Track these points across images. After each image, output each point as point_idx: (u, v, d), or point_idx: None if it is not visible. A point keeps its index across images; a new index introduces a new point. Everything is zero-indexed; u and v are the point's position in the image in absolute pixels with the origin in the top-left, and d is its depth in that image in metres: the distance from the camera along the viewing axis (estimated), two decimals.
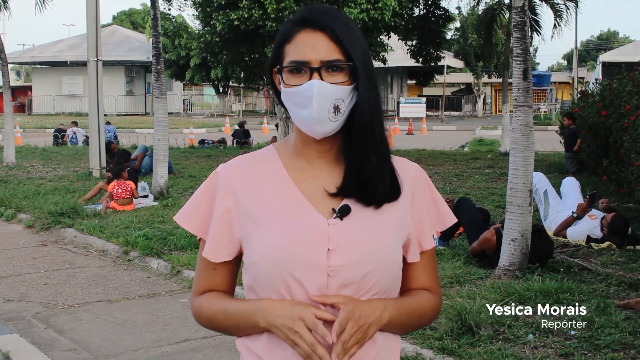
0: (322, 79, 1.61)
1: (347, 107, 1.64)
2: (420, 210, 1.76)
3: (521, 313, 5.53)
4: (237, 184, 1.72)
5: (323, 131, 1.64)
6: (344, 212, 1.66)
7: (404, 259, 1.75)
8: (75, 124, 25.16)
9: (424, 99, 44.51)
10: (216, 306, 1.72)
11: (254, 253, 1.67)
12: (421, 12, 21.11)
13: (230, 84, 49.80)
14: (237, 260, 1.76)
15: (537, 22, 19.63)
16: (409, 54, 22.81)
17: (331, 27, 1.63)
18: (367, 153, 1.67)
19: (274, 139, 17.90)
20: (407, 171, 1.76)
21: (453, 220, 1.83)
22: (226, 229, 1.71)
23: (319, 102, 1.60)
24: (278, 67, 1.68)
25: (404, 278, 1.77)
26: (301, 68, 1.63)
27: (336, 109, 1.62)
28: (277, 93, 1.75)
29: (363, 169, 1.67)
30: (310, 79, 1.62)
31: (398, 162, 1.76)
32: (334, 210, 1.66)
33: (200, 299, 1.76)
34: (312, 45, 1.63)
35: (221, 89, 51.00)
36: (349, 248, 1.63)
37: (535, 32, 19.77)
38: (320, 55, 1.62)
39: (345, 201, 1.67)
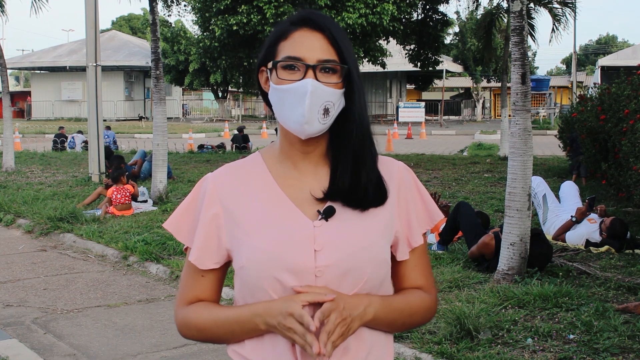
0: (316, 78, 1.63)
1: (336, 111, 1.67)
2: (408, 209, 1.77)
3: (519, 317, 5.54)
4: (224, 192, 1.74)
5: (310, 131, 1.65)
6: (328, 213, 1.67)
7: (394, 258, 1.77)
8: (80, 133, 25.09)
9: (423, 104, 44.55)
10: (206, 316, 1.73)
11: (242, 258, 1.68)
12: (419, 17, 21.15)
13: (230, 88, 49.87)
14: (224, 269, 1.78)
15: (532, 27, 19.64)
16: (407, 59, 22.83)
17: (330, 29, 1.66)
18: (363, 159, 1.70)
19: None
20: (392, 171, 1.77)
21: (440, 216, 1.84)
22: (214, 236, 1.73)
23: (311, 101, 1.61)
24: (272, 62, 1.67)
25: (397, 277, 1.79)
26: (295, 65, 1.64)
27: (326, 111, 1.64)
28: (264, 93, 1.76)
29: (356, 175, 1.69)
30: (304, 76, 1.63)
31: (383, 162, 1.78)
32: (319, 212, 1.68)
33: (187, 309, 1.76)
34: (309, 44, 1.65)
35: (220, 94, 51.04)
36: (335, 248, 1.64)
37: (530, 37, 19.77)
38: (317, 54, 1.64)
39: (331, 204, 1.69)
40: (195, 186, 1.80)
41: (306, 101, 1.61)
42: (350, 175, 1.69)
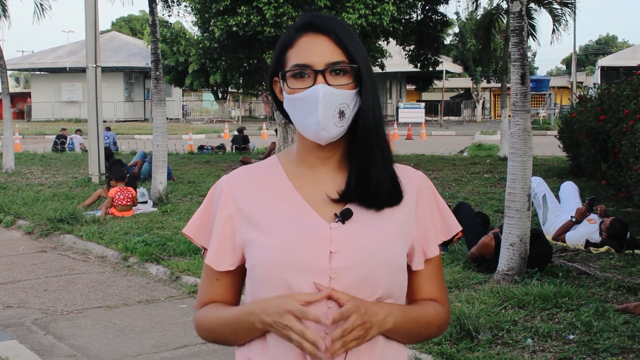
0: (326, 82, 1.61)
1: (352, 112, 1.64)
2: (425, 219, 1.75)
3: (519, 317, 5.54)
4: (239, 192, 1.72)
5: (328, 137, 1.63)
6: (345, 216, 1.65)
7: (409, 268, 1.74)
8: (79, 132, 25.09)
9: (423, 104, 44.55)
10: (213, 316, 1.72)
11: (255, 257, 1.67)
12: (419, 17, 21.12)
13: (229, 89, 49.84)
14: (240, 272, 1.75)
15: (533, 27, 19.64)
16: (407, 59, 22.82)
17: (334, 31, 1.64)
18: (373, 157, 1.68)
19: (273, 145, 17.92)
20: (410, 178, 1.75)
21: (458, 228, 1.81)
22: (228, 237, 1.71)
23: (325, 106, 1.59)
24: (281, 72, 1.66)
25: (411, 288, 1.76)
26: (304, 72, 1.62)
27: (341, 114, 1.62)
28: (278, 103, 1.74)
29: (368, 174, 1.67)
30: (314, 82, 1.61)
31: (401, 170, 1.75)
32: (335, 215, 1.66)
33: (200, 311, 1.77)
34: (315, 48, 1.63)
35: (220, 95, 51.03)
36: (351, 250, 1.62)
37: (531, 37, 19.77)
38: (324, 57, 1.62)
39: (348, 206, 1.67)
40: (210, 189, 1.79)
41: (319, 108, 1.59)
42: (364, 172, 1.67)
